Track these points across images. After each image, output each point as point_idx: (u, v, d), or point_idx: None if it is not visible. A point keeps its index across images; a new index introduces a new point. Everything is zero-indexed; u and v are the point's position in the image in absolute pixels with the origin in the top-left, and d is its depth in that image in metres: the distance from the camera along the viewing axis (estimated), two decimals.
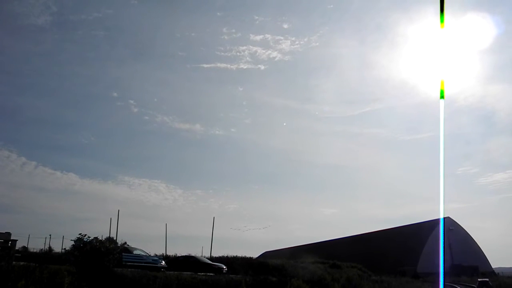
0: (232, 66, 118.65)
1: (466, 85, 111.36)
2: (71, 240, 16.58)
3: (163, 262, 27.72)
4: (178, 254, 37.42)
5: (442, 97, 4.11)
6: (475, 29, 78.81)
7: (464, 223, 79.49)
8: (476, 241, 77.48)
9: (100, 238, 17.11)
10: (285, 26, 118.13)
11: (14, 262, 13.45)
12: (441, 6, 3.89)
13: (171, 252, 43.01)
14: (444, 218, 64.47)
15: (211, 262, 32.62)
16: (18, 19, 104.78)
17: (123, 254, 22.94)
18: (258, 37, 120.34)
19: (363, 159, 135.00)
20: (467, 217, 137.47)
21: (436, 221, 72.13)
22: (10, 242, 14.00)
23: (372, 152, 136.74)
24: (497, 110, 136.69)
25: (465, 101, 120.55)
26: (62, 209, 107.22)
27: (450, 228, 68.15)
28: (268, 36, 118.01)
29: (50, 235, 58.74)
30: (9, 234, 14.02)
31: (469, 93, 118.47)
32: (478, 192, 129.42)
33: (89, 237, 16.26)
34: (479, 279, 17.87)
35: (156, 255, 31.96)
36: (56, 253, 41.77)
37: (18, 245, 24.47)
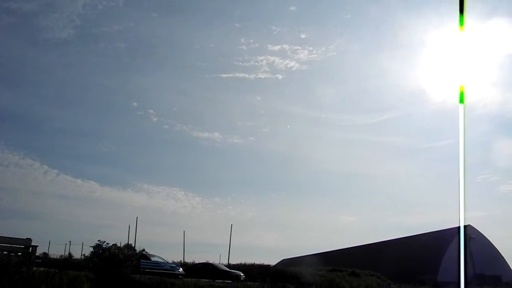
0: (250, 76, 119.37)
1: (486, 92, 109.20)
2: (90, 246, 16.76)
3: (181, 269, 27.80)
4: (196, 261, 37.47)
5: (461, 101, 3.99)
6: (498, 34, 77.49)
7: (486, 231, 77.67)
8: (499, 250, 75.82)
9: (119, 245, 17.22)
10: (303, 36, 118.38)
11: (34, 268, 13.60)
12: (461, 7, 3.78)
13: (189, 259, 43.16)
14: (465, 226, 62.80)
15: (228, 270, 32.57)
16: (43, 32, 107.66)
17: (141, 260, 23.07)
18: (276, 47, 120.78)
19: (381, 167, 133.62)
20: (489, 225, 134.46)
21: (457, 229, 70.80)
22: (31, 248, 14.18)
23: (390, 160, 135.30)
24: None
25: (484, 108, 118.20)
26: (82, 216, 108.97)
27: (472, 236, 66.70)
28: (285, 46, 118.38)
29: (70, 241, 59.50)
30: (30, 240, 14.22)
31: (488, 101, 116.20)
32: (499, 200, 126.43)
33: (108, 243, 16.40)
34: None
35: (174, 262, 32.07)
36: (75, 259, 42.23)
37: (39, 251, 24.88)
